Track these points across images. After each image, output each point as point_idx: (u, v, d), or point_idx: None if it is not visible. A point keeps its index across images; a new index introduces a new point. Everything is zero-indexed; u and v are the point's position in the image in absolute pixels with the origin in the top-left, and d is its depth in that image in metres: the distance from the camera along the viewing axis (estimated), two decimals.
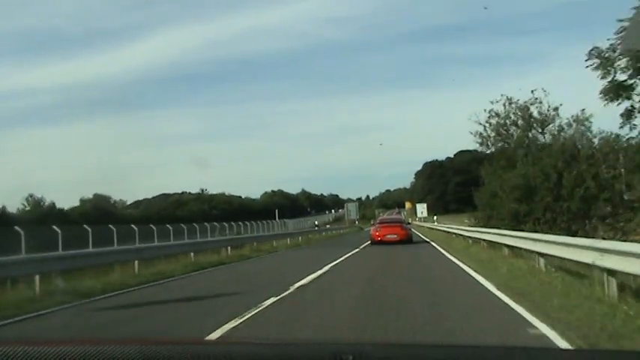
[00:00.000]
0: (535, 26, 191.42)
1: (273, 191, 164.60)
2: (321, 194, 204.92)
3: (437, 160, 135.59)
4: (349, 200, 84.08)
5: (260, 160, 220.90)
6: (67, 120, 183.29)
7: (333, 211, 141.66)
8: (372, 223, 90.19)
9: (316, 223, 42.28)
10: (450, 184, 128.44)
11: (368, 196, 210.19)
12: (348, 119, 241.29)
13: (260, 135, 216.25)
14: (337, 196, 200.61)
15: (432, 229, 44.48)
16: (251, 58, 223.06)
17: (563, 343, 5.60)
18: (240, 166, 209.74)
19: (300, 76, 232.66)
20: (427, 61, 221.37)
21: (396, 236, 25.29)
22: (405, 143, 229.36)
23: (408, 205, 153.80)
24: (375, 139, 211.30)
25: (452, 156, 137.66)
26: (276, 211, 66.50)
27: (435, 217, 40.27)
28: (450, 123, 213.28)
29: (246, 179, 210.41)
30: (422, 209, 67.90)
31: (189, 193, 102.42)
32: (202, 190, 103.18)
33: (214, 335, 6.42)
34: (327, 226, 58.66)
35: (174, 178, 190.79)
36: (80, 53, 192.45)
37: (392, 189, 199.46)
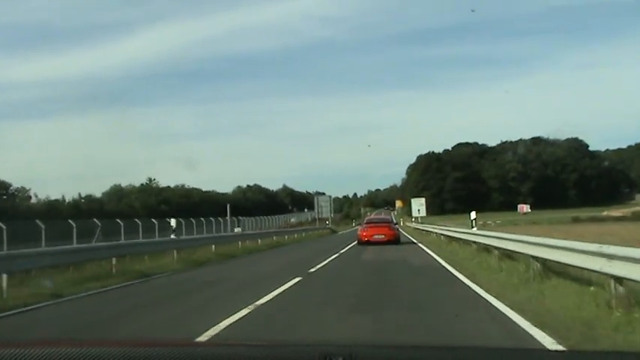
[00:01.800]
0: (527, 29, 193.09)
1: (248, 186, 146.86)
2: (307, 192, 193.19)
3: (433, 152, 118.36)
4: (322, 194, 65.23)
5: (249, 158, 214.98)
6: (55, 114, 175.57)
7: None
8: (353, 224, 73.81)
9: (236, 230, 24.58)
10: (448, 180, 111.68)
11: (355, 194, 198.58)
12: (341, 119, 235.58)
13: (250, 133, 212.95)
14: (324, 194, 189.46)
15: (478, 245, 15.94)
16: (243, 56, 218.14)
17: None
18: (228, 163, 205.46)
19: (293, 75, 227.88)
20: (421, 61, 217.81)
21: (383, 236, 24.27)
22: (399, 144, 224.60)
23: (398, 203, 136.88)
24: (368, 140, 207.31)
25: (450, 148, 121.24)
26: (228, 206, 49.07)
27: (474, 215, 19.92)
28: (443, 124, 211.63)
29: (235, 176, 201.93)
30: (419, 206, 50.51)
31: (136, 185, 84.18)
32: (150, 180, 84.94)
33: None
34: (251, 230, 41.79)
35: (164, 174, 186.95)
36: (70, 48, 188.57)
37: (382, 188, 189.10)
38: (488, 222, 72.40)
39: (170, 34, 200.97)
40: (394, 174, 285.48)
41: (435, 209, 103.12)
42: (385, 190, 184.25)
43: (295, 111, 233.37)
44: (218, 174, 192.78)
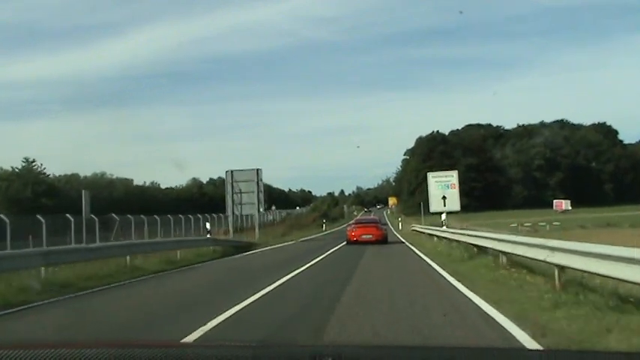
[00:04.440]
0: (516, 30, 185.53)
1: (211, 179, 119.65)
2: (289, 189, 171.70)
3: (437, 131, 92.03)
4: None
5: (236, 159, 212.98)
6: (44, 114, 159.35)
7: (297, 207, 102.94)
8: (323, 227, 46.86)
9: None
10: (458, 168, 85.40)
11: (343, 192, 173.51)
12: (331, 119, 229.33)
13: (238, 134, 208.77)
14: (310, 192, 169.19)
15: None
16: (233, 57, 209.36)
17: None
18: (215, 164, 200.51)
19: (283, 76, 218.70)
20: (411, 63, 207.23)
21: (371, 236, 24.26)
22: (390, 145, 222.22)
23: (392, 200, 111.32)
24: (358, 140, 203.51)
25: (458, 129, 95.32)
26: (84, 193, 21.38)
27: None
28: (436, 124, 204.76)
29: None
30: (445, 190, 24.12)
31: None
32: (28, 162, 57.71)
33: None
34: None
35: (152, 174, 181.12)
36: (60, 49, 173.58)
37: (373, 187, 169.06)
38: (541, 223, 47.11)
39: (161, 35, 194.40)
40: (386, 175, 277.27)
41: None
42: (379, 185, 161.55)
43: (285, 112, 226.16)
44: (204, 174, 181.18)
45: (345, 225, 69.09)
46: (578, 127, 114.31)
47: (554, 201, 76.03)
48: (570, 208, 74.16)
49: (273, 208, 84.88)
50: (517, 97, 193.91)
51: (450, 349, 2.33)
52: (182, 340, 5.21)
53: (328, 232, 45.62)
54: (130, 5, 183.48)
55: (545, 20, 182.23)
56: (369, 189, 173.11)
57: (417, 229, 31.03)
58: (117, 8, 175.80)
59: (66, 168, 78.78)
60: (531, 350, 3.83)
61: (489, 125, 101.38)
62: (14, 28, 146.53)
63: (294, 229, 46.94)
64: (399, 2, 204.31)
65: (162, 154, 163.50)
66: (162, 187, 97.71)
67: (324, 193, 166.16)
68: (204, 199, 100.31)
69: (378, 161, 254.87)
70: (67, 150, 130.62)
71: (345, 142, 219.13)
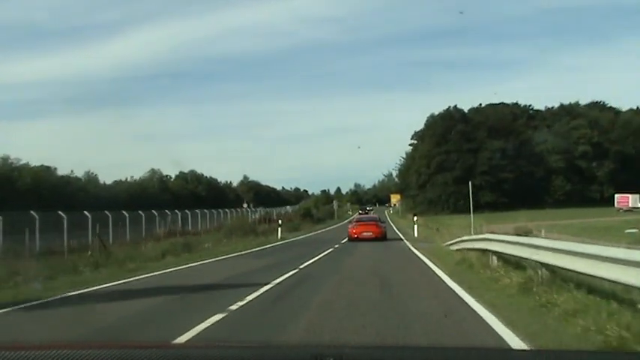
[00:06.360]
0: (516, 32, 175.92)
1: (182, 172, 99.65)
2: (282, 188, 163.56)
3: (455, 106, 72.05)
4: None
5: (235, 158, 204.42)
6: (44, 115, 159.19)
7: (288, 207, 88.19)
8: (277, 234, 30.59)
9: None
10: (482, 154, 65.48)
11: (339, 189, 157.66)
12: (332, 120, 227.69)
13: (238, 134, 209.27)
14: (306, 191, 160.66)
15: None
16: (233, 57, 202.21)
17: None
18: (216, 163, 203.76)
19: (284, 76, 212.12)
20: (411, 63, 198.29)
21: (371, 234, 25.21)
22: (391, 146, 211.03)
23: (395, 198, 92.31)
24: (360, 140, 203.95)
25: (481, 106, 75.12)
26: None
27: None
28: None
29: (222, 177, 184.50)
30: None
31: None
32: None
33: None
34: None
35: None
36: (59, 49, 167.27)
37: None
38: None
39: (161, 34, 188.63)
40: (387, 170, 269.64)
41: (461, 202, 58.72)
42: (379, 182, 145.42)
43: (285, 112, 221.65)
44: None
45: (333, 227, 50.76)
46: (617, 112, 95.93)
47: (617, 196, 56.58)
48: (639, 205, 54.79)
49: (245, 205, 68.63)
50: (519, 97, 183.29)
51: (450, 349, 2.33)
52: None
53: (273, 245, 24.72)
54: (129, 5, 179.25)
55: (546, 21, 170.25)
56: (368, 189, 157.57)
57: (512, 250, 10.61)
58: (117, 8, 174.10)
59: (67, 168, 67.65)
60: (531, 350, 3.79)
61: (516, 104, 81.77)
62: (14, 29, 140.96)
63: (233, 236, 27.65)
64: (399, 2, 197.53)
65: (162, 154, 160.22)
66: (109, 181, 78.98)
67: (314, 190, 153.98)
68: (164, 196, 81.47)
69: (378, 162, 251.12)
70: (66, 149, 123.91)
71: (344, 142, 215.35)
